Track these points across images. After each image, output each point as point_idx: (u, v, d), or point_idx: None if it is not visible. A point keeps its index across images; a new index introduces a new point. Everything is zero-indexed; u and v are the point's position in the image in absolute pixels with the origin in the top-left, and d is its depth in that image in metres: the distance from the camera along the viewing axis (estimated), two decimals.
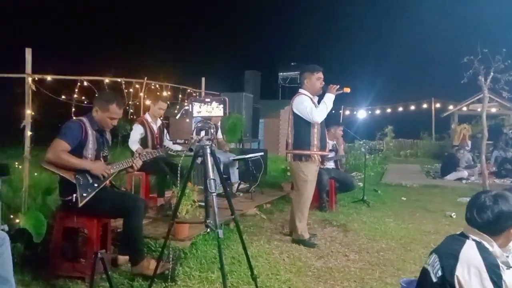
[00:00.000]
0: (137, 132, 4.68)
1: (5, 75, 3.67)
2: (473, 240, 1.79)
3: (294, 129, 4.23)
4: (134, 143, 4.60)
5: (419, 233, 4.75)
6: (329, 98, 4.13)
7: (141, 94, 5.21)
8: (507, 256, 2.05)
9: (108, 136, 3.32)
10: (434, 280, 1.81)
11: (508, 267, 1.83)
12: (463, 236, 1.85)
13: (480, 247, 1.75)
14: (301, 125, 4.16)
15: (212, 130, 2.78)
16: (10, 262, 2.34)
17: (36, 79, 3.58)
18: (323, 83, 4.20)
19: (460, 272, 1.70)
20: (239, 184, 6.28)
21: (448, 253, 1.80)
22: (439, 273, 1.79)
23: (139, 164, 3.24)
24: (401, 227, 5.01)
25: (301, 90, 4.26)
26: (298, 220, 4.22)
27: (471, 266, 1.69)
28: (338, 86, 4.14)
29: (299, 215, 4.23)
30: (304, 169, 4.17)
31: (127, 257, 3.21)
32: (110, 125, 3.14)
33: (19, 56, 3.52)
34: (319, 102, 4.21)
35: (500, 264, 1.70)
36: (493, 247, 1.77)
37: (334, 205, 5.91)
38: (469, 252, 1.73)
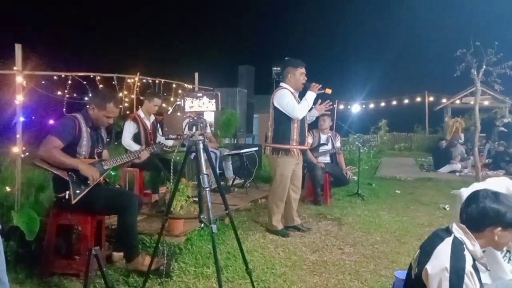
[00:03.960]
0: (129, 129, 4.64)
1: None
2: (455, 237, 1.79)
3: (274, 123, 4.28)
4: (129, 142, 4.58)
5: (413, 225, 4.79)
6: (311, 96, 4.21)
7: (134, 89, 5.18)
8: (508, 252, 2.06)
9: (103, 133, 3.30)
10: (413, 277, 1.85)
11: (486, 269, 1.83)
12: (447, 232, 1.85)
13: (456, 247, 1.74)
14: (281, 119, 4.21)
15: (201, 125, 2.77)
16: (2, 262, 2.32)
17: (27, 75, 3.54)
18: (306, 78, 4.22)
19: (429, 265, 1.72)
20: (234, 179, 6.28)
21: (427, 250, 1.82)
22: (416, 270, 1.82)
23: (145, 155, 3.25)
24: (395, 220, 5.05)
25: (282, 84, 4.29)
26: (272, 212, 4.31)
27: (438, 262, 1.70)
28: (320, 86, 4.20)
29: (274, 208, 4.31)
30: (281, 163, 4.23)
31: (121, 254, 3.20)
32: (106, 123, 3.14)
33: (9, 52, 3.49)
34: (300, 98, 4.25)
35: (470, 270, 1.68)
36: (475, 246, 1.77)
37: (328, 199, 5.93)
38: (442, 250, 1.74)
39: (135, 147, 4.42)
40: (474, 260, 1.76)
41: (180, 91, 5.97)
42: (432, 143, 16.44)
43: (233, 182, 6.23)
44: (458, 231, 1.81)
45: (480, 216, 1.78)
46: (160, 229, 2.82)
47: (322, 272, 3.30)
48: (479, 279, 1.73)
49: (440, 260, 1.70)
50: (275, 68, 7.23)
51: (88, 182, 2.96)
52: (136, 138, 4.65)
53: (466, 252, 1.73)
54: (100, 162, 3.12)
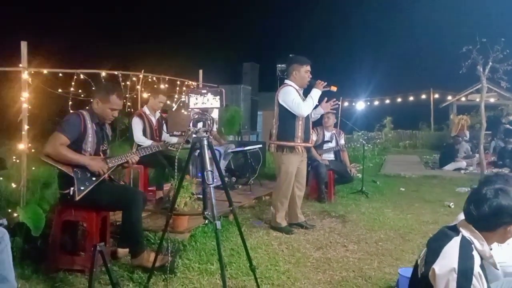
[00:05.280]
0: (138, 125, 4.69)
1: (1, 69, 3.65)
2: (463, 236, 1.74)
3: (279, 120, 4.27)
4: (142, 138, 4.63)
5: (417, 223, 4.77)
6: (316, 93, 4.19)
7: (138, 87, 5.19)
8: None
9: (108, 130, 3.31)
10: (419, 276, 1.82)
11: (495, 268, 1.79)
12: (454, 231, 1.79)
13: (464, 247, 1.69)
14: (286, 116, 4.20)
15: (209, 122, 2.78)
16: (10, 260, 2.32)
17: (32, 72, 3.56)
18: (311, 76, 4.21)
19: (436, 265, 1.69)
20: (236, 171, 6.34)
21: (434, 249, 1.77)
22: (423, 269, 1.78)
23: (135, 159, 3.23)
24: (399, 217, 5.03)
25: (287, 81, 4.28)
26: (276, 209, 4.31)
27: (446, 263, 1.66)
28: (326, 83, 4.19)
29: (278, 205, 4.31)
30: (286, 160, 4.22)
31: (126, 250, 3.22)
32: (111, 116, 3.13)
33: (14, 49, 3.50)
34: (304, 95, 4.23)
35: (479, 271, 1.64)
36: (483, 246, 1.72)
37: (332, 197, 5.92)
38: (450, 250, 1.70)
39: (148, 142, 4.47)
40: (482, 259, 1.73)
41: (184, 88, 5.98)
42: (437, 140, 16.35)
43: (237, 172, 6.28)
44: (465, 230, 1.76)
45: (495, 215, 1.69)
46: (164, 226, 2.84)
47: (326, 269, 3.30)
48: (486, 278, 1.70)
49: (448, 261, 1.66)
50: (279, 65, 7.19)
51: (94, 179, 2.97)
52: (142, 135, 4.69)
53: (474, 252, 1.69)
54: (105, 159, 3.13)
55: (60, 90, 4.06)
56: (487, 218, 1.71)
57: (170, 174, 4.37)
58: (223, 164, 6.25)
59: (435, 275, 1.67)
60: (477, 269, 1.63)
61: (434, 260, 1.71)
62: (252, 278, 2.83)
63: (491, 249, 1.79)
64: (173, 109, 5.44)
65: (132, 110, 5.10)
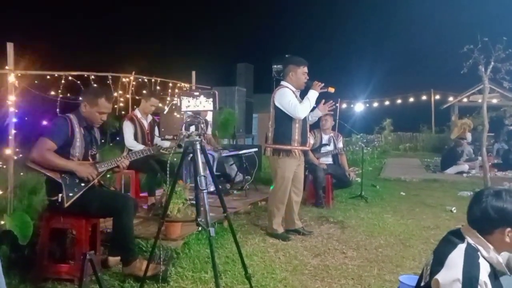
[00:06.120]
0: (128, 129, 4.62)
1: None
2: (468, 243, 1.68)
3: (275, 123, 4.18)
4: (132, 142, 4.55)
5: (418, 228, 4.69)
6: (313, 95, 4.12)
7: (129, 89, 5.12)
8: None
9: (97, 134, 3.25)
10: (422, 284, 1.75)
11: (508, 274, 1.71)
12: (459, 237, 1.72)
13: (469, 255, 1.63)
14: (283, 119, 4.12)
15: (202, 125, 2.71)
16: None
17: (19, 75, 3.48)
18: (308, 77, 4.13)
19: (440, 275, 1.62)
20: (236, 173, 6.25)
21: (439, 258, 1.70)
22: (427, 278, 1.71)
23: (125, 163, 3.15)
24: (400, 222, 4.95)
25: (283, 83, 4.20)
26: (272, 215, 4.22)
27: (450, 273, 1.60)
28: (323, 84, 4.12)
29: (274, 210, 4.22)
30: (282, 164, 4.13)
31: (117, 258, 3.14)
32: (100, 120, 3.06)
33: (0, 51, 3.43)
34: (301, 96, 4.15)
35: (485, 280, 1.56)
36: (490, 252, 1.65)
37: (331, 202, 5.82)
38: (455, 259, 1.63)
39: (139, 147, 4.39)
40: (492, 266, 1.65)
41: (176, 90, 5.90)
42: (439, 143, 16.26)
43: (235, 178, 6.21)
44: (470, 237, 1.69)
45: (483, 217, 1.65)
46: (156, 233, 2.75)
47: (324, 277, 3.22)
48: (499, 285, 1.64)
49: (452, 270, 1.59)
50: (275, 65, 7.10)
51: (82, 184, 2.91)
52: (134, 139, 4.61)
53: (481, 260, 1.62)
54: (94, 164, 3.06)
55: (48, 93, 3.99)
56: (478, 220, 1.68)
57: (162, 179, 4.30)
58: (233, 169, 6.20)
59: (439, 285, 1.61)
60: (483, 278, 1.57)
61: (438, 270, 1.64)
62: (248, 287, 2.76)
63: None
64: (165, 112, 5.37)
65: (123, 113, 5.03)
